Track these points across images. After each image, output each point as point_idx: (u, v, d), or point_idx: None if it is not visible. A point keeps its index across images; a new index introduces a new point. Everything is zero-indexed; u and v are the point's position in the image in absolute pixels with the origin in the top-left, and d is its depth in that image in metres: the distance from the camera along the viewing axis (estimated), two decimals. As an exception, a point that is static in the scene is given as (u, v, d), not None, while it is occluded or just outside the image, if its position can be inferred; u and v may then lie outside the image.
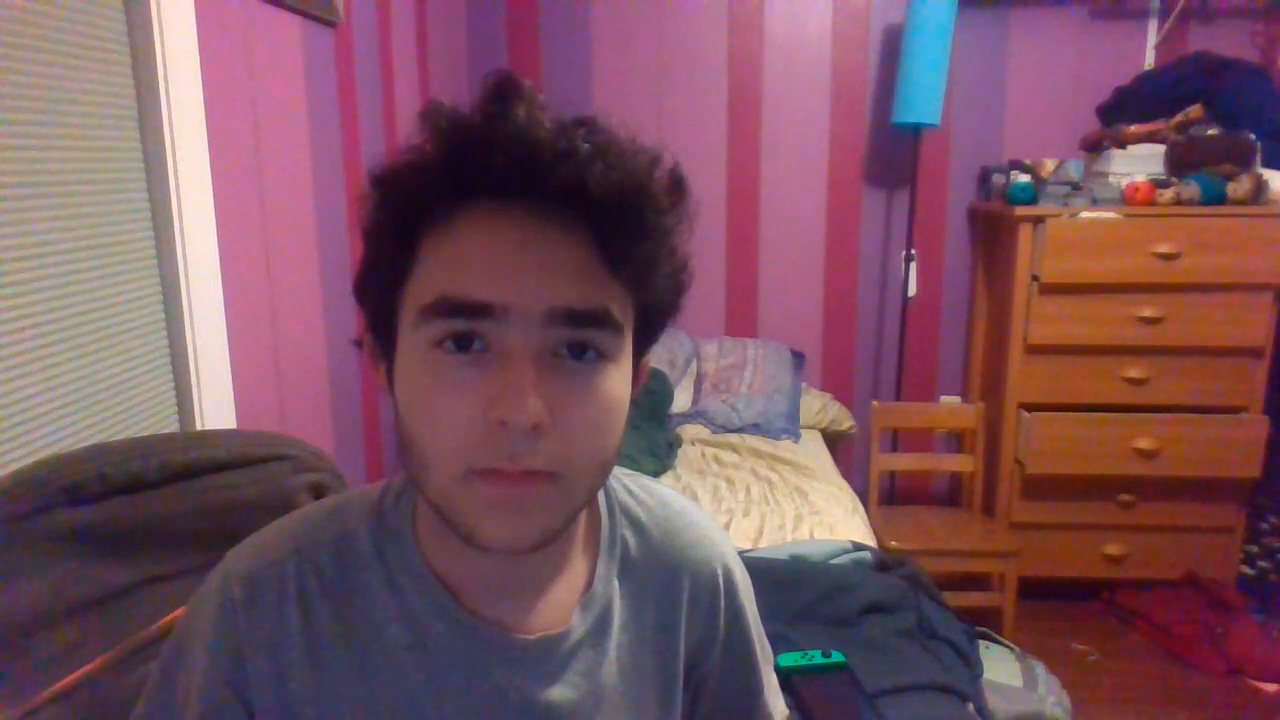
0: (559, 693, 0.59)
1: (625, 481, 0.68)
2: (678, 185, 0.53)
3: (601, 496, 0.65)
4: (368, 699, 0.57)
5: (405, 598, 0.58)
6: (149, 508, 0.89)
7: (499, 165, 0.48)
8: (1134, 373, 2.47)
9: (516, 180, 0.49)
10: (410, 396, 0.51)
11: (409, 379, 0.51)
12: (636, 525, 0.66)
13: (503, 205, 0.50)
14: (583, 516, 0.62)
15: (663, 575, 0.65)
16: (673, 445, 2.50)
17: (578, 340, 0.50)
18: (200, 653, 0.57)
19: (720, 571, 0.69)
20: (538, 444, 0.49)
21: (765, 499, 2.19)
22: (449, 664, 0.57)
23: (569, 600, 0.61)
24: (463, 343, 0.49)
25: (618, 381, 0.52)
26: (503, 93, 0.49)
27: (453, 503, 0.51)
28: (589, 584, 0.62)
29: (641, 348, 0.57)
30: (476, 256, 0.49)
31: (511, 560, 0.56)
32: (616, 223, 0.49)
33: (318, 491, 1.01)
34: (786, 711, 0.80)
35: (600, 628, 0.61)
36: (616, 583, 0.63)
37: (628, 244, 0.50)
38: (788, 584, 1.63)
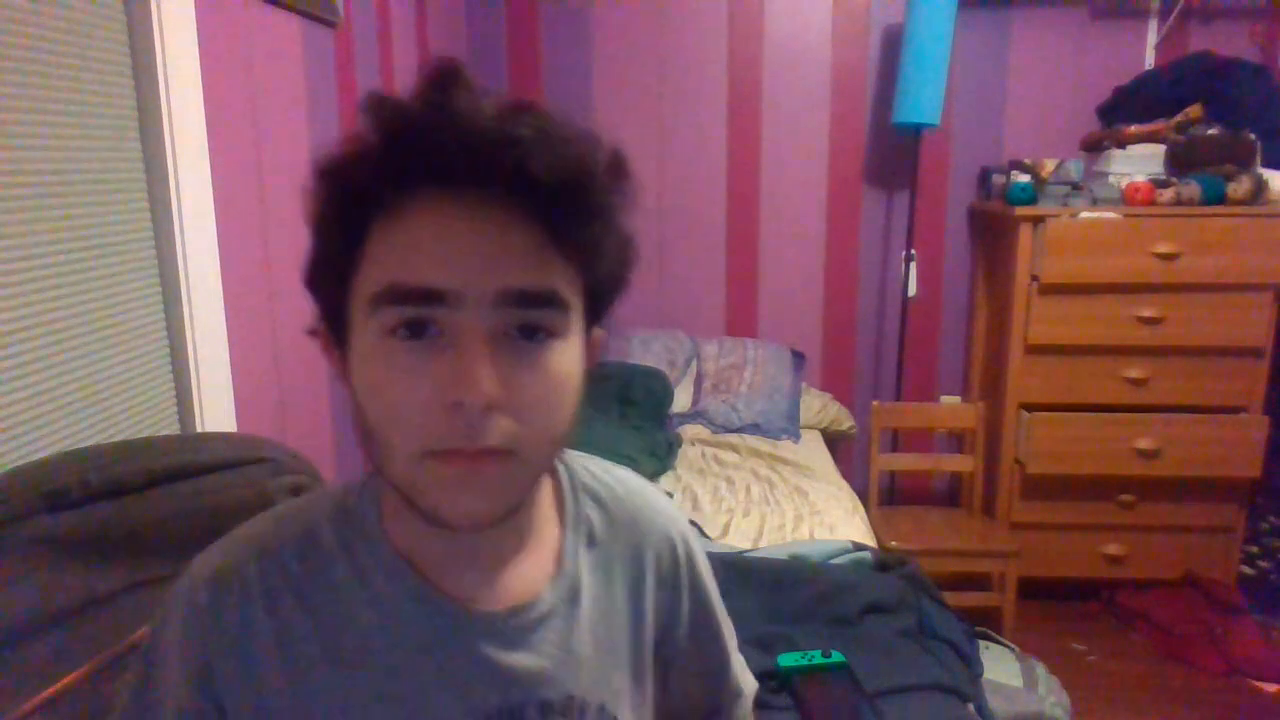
0: (531, 661, 0.60)
1: (585, 463, 0.70)
2: (619, 167, 0.54)
3: (565, 477, 0.67)
4: (342, 688, 0.57)
5: (373, 584, 0.59)
6: (131, 513, 0.89)
7: (441, 154, 0.49)
8: (1134, 373, 2.47)
9: (459, 168, 0.50)
10: (366, 384, 0.53)
11: (364, 367, 0.53)
12: (599, 503, 0.68)
13: (448, 192, 0.51)
14: (548, 494, 0.65)
15: (627, 549, 0.68)
16: (673, 445, 2.50)
17: (528, 322, 0.52)
18: (170, 660, 0.58)
19: (679, 543, 0.71)
20: (492, 422, 0.50)
21: (765, 499, 2.19)
22: (420, 642, 0.58)
23: (538, 574, 0.62)
24: (415, 329, 0.50)
25: (568, 358, 0.54)
26: (442, 81, 0.50)
27: (413, 483, 0.52)
28: (558, 559, 0.64)
29: (592, 323, 0.59)
30: (424, 244, 0.50)
31: (475, 536, 0.57)
32: (560, 205, 0.51)
33: (297, 494, 1.01)
34: (756, 684, 0.83)
35: (570, 600, 0.63)
36: (584, 558, 0.65)
37: (573, 225, 0.51)
38: (788, 584, 1.63)
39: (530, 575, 0.62)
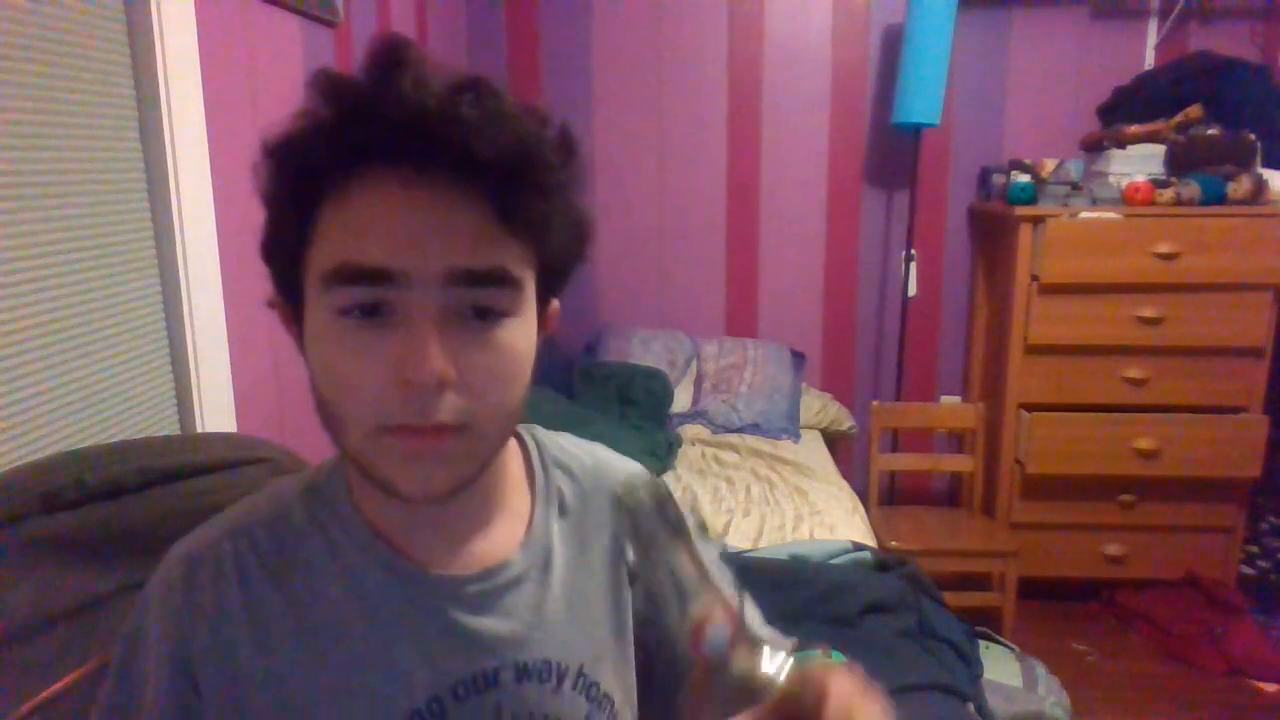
0: (502, 626, 0.61)
1: (554, 437, 0.71)
2: (568, 144, 0.55)
3: (535, 450, 0.68)
4: (314, 662, 0.58)
5: (344, 556, 0.59)
6: (128, 514, 0.89)
7: (386, 132, 0.49)
8: (1134, 373, 2.47)
9: (405, 147, 0.50)
10: (321, 361, 0.53)
11: (318, 344, 0.53)
12: (569, 474, 0.69)
13: (396, 170, 0.51)
14: (518, 467, 0.66)
15: (599, 516, 0.68)
16: (673, 445, 2.50)
17: (478, 302, 0.52)
18: (148, 641, 0.58)
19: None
20: (443, 399, 0.51)
21: (765, 499, 2.19)
22: (391, 610, 0.59)
23: (508, 543, 0.63)
24: (368, 310, 0.51)
25: (519, 335, 0.54)
26: (387, 60, 0.50)
27: (368, 457, 0.53)
28: (528, 529, 0.64)
29: (547, 297, 0.60)
30: (373, 223, 0.51)
31: (437, 507, 0.57)
32: (508, 184, 0.51)
33: None
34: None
35: (542, 567, 0.64)
36: (556, 526, 0.66)
37: (521, 203, 0.52)
38: (788, 584, 1.63)
39: (500, 543, 0.62)
